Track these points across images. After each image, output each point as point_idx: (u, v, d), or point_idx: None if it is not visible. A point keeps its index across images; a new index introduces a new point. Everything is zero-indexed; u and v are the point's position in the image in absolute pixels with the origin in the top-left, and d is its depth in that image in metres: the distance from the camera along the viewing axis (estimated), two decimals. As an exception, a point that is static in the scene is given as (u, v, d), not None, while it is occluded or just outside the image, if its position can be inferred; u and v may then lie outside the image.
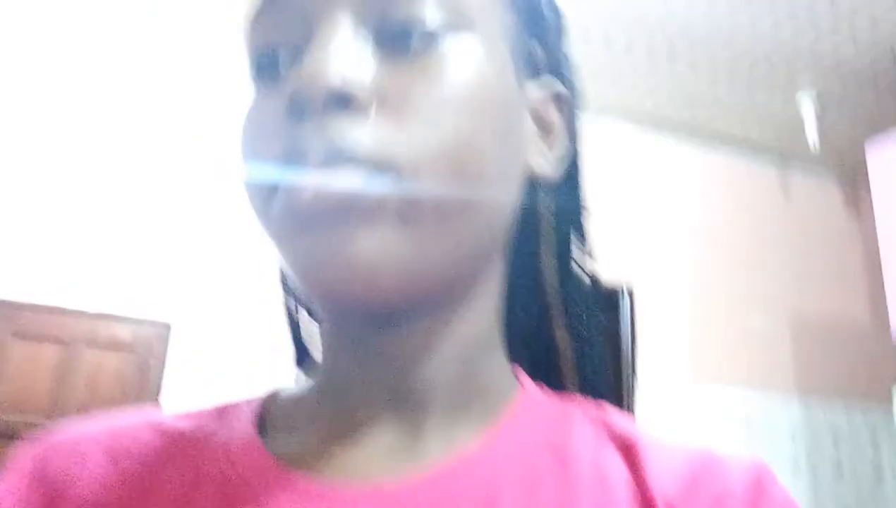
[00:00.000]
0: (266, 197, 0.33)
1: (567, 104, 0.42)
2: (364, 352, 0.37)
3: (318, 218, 0.31)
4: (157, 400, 2.69)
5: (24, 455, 0.38)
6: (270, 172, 0.33)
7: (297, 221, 0.32)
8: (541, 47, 0.42)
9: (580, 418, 0.39)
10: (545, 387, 0.42)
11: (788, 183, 3.81)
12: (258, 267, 2.56)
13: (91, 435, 0.39)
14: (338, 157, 0.31)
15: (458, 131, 0.33)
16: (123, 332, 2.77)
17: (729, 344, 3.41)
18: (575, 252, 0.44)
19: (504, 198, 0.37)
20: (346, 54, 0.32)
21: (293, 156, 0.32)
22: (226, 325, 2.79)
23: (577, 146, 0.43)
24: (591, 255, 0.44)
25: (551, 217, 0.42)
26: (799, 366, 3.50)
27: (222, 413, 0.40)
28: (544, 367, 0.44)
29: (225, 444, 0.37)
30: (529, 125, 0.40)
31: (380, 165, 0.31)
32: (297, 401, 0.40)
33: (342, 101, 0.32)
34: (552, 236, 0.43)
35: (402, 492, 0.33)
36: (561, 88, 0.42)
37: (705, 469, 0.35)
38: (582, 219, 0.44)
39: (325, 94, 0.31)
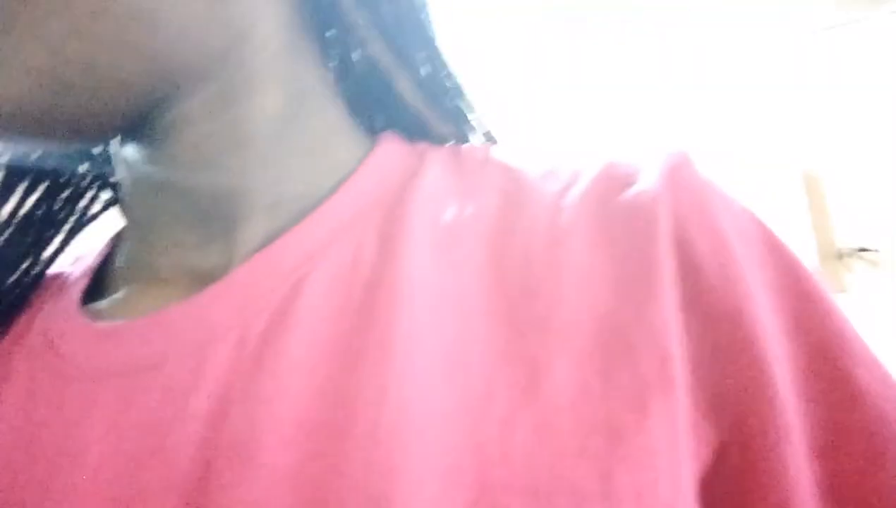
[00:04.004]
0: None
1: None
2: (138, 172, 0.31)
3: None
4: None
5: None
6: None
7: None
8: None
9: (453, 170, 0.32)
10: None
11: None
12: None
13: None
14: None
15: None
16: None
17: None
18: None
19: None
20: None
21: None
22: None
23: None
24: None
25: None
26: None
27: (77, 261, 0.36)
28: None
29: (52, 305, 0.33)
30: None
31: None
32: (120, 241, 0.35)
33: None
34: None
35: (191, 304, 0.28)
36: None
37: (611, 179, 0.28)
38: None
39: None
